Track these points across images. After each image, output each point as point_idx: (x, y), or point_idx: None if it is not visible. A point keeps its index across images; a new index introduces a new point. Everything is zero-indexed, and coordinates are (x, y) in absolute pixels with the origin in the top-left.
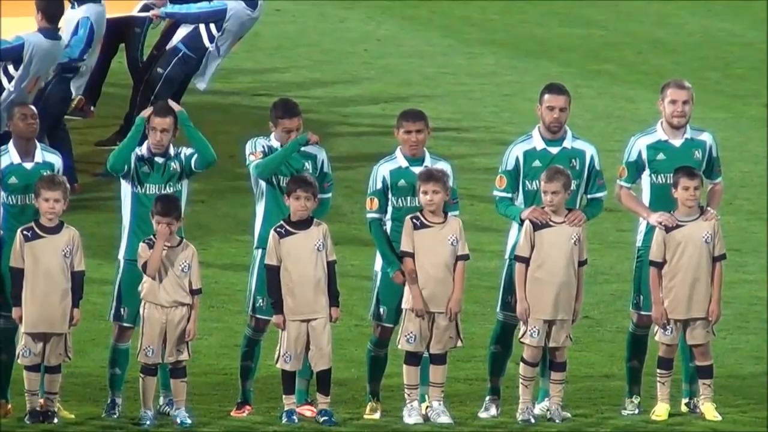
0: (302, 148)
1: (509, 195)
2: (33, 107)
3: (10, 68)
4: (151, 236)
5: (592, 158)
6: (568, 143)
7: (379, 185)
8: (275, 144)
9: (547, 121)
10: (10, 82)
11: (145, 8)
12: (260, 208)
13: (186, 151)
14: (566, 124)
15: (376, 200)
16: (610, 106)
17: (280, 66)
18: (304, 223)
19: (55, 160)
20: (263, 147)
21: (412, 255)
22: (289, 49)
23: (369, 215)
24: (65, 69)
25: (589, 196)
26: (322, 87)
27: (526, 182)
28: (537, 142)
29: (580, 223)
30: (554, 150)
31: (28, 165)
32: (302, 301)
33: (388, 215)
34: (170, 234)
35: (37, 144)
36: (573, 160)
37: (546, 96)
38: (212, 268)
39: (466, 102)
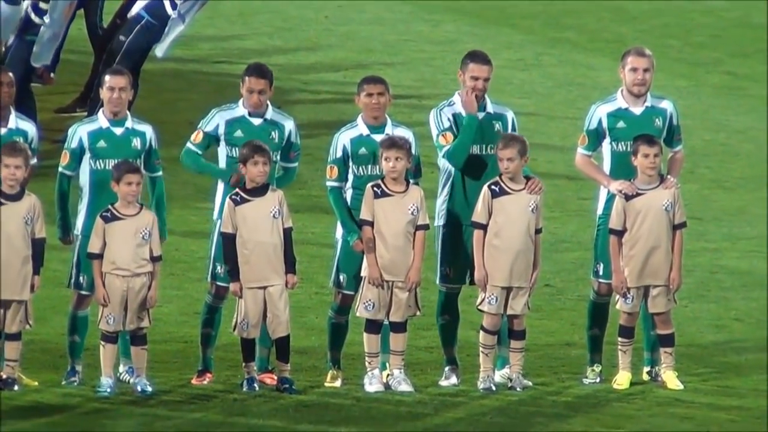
0: (270, 117)
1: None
2: (11, 74)
3: None
4: (109, 207)
5: (513, 121)
6: (490, 108)
7: (339, 153)
8: (241, 112)
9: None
10: None
11: None
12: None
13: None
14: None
15: (336, 168)
16: (570, 74)
17: (241, 33)
18: (260, 190)
19: (29, 128)
20: (212, 127)
21: (371, 223)
22: (250, 16)
23: (329, 183)
24: (26, 30)
25: None
26: (282, 54)
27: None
28: (460, 107)
29: (539, 191)
30: (479, 115)
31: (2, 130)
32: (258, 268)
33: (349, 183)
34: (135, 196)
35: (12, 110)
36: (496, 124)
37: (470, 65)
38: (172, 236)
39: (427, 69)
